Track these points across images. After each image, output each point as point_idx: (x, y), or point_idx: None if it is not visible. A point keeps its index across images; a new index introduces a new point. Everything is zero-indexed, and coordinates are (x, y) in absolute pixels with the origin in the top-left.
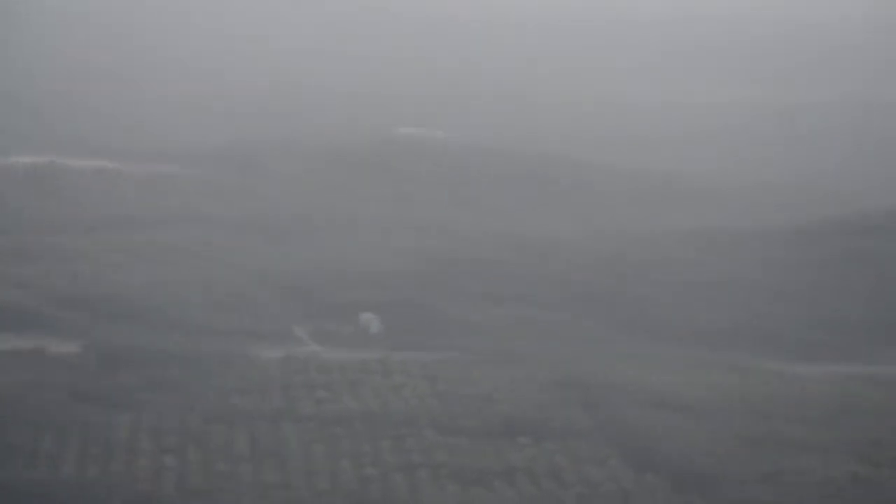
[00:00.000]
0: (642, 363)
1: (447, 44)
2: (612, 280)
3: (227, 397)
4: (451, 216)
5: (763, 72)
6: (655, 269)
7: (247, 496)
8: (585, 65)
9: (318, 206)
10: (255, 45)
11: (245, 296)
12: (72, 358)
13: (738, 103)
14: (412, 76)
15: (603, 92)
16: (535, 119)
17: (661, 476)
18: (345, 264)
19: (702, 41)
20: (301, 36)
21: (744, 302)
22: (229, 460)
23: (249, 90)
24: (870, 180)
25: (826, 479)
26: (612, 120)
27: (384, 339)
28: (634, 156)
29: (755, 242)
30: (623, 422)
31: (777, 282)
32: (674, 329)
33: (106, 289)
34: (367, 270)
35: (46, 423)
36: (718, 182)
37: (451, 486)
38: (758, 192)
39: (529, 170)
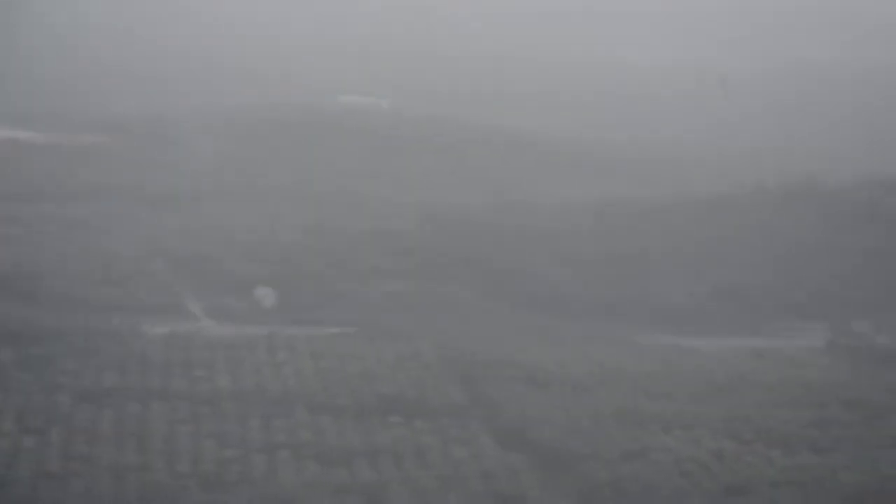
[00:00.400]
0: (532, 338)
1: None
2: (510, 253)
3: (101, 375)
4: (366, 187)
5: (705, 36)
6: (555, 242)
7: (101, 479)
8: (536, 27)
9: (234, 178)
10: (201, 16)
11: (144, 270)
12: None
13: (674, 68)
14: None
15: (545, 54)
16: (476, 84)
17: (527, 456)
18: (249, 237)
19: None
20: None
21: (642, 275)
22: (91, 442)
23: (192, 59)
24: (796, 150)
25: (691, 457)
26: (551, 84)
27: (278, 313)
28: (565, 122)
29: (661, 213)
30: (500, 400)
31: (678, 254)
32: (570, 303)
33: None
34: (270, 243)
35: None
36: (639, 150)
37: (311, 467)
38: (676, 161)
39: (454, 138)
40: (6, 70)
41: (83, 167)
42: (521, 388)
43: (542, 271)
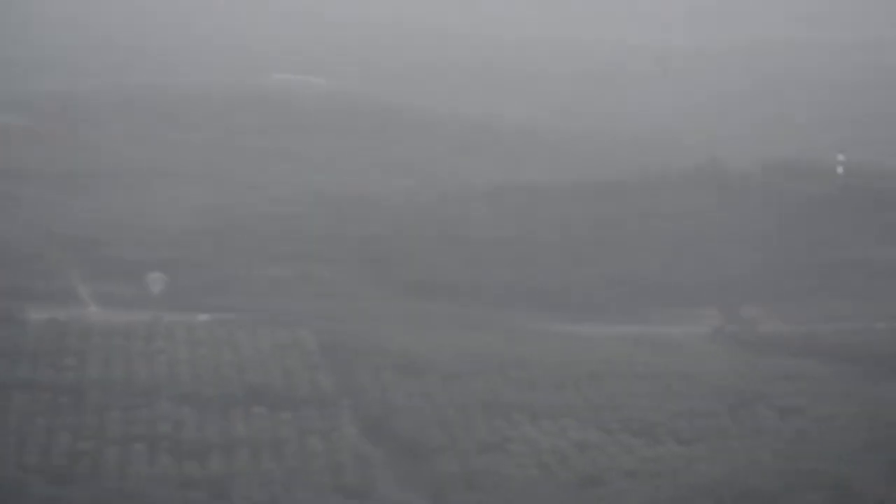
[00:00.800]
0: (414, 325)
1: None
2: (405, 238)
3: None
4: (273, 169)
5: (652, 15)
6: (451, 226)
7: None
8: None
9: (142, 160)
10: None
11: (36, 253)
12: None
13: (607, 43)
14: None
15: (480, 29)
16: (420, 62)
17: (385, 448)
18: (146, 221)
19: None
20: None
21: (536, 260)
22: None
23: (122, 40)
24: (712, 131)
25: (552, 448)
26: (494, 63)
27: (165, 299)
28: (494, 102)
29: (562, 197)
30: (370, 389)
31: (574, 239)
32: (461, 289)
33: None
34: (167, 227)
35: None
36: (555, 132)
37: (164, 460)
38: (591, 141)
39: (378, 119)
40: None
41: None
42: (393, 377)
43: (436, 257)
